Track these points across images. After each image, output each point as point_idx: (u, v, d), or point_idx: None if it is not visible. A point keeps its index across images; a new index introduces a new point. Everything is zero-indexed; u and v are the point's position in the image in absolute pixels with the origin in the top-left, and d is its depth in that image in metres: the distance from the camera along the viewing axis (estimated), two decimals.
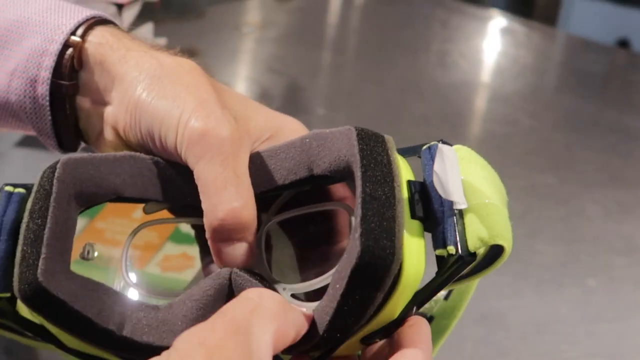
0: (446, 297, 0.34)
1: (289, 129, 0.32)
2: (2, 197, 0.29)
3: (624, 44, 2.08)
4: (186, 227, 0.68)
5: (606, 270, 0.65)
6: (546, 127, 0.89)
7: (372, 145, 0.27)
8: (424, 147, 0.29)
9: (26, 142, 0.85)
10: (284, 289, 0.29)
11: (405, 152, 0.30)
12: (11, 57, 0.32)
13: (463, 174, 0.27)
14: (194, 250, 0.63)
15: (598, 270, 0.65)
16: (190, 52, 1.03)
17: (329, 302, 0.25)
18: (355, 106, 0.94)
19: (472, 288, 0.32)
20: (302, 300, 0.30)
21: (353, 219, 0.26)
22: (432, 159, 0.27)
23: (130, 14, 0.75)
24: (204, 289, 0.27)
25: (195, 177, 0.28)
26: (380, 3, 1.28)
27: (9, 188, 0.29)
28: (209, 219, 0.27)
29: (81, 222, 0.68)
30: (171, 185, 0.30)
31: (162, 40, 0.81)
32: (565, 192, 0.76)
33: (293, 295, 0.29)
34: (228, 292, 0.27)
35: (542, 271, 0.66)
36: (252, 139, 0.31)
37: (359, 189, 0.25)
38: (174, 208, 0.34)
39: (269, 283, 0.28)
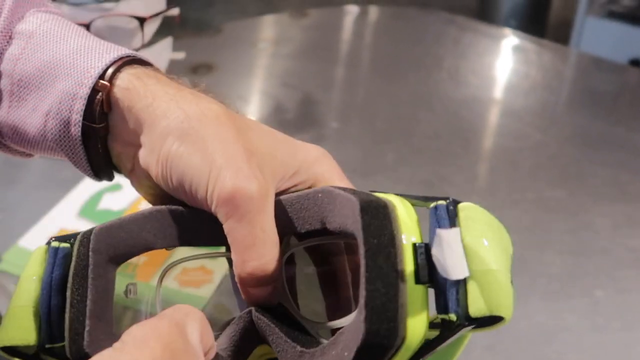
0: None
1: (313, 161, 0.34)
2: (50, 253, 0.32)
3: (636, 63, 2.08)
4: None
5: (614, 282, 0.66)
6: (556, 142, 0.90)
7: (375, 219, 0.27)
8: (432, 205, 0.29)
9: None
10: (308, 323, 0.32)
11: (415, 200, 0.30)
12: (46, 98, 0.34)
13: (468, 235, 0.27)
14: (212, 264, 0.64)
15: (606, 282, 0.66)
16: (207, 67, 1.06)
17: None
18: (367, 120, 0.95)
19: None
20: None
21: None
22: (438, 221, 0.28)
23: (151, 28, 0.77)
24: (230, 336, 0.30)
25: (226, 231, 0.30)
26: (393, 20, 1.31)
27: (55, 244, 0.32)
28: (239, 271, 0.30)
29: None
30: (199, 231, 0.32)
31: (181, 55, 0.83)
32: (574, 205, 0.77)
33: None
34: (251, 330, 0.30)
35: (550, 282, 0.66)
36: (278, 178, 0.32)
37: (362, 268, 0.26)
38: None
39: (288, 320, 0.30)
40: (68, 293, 0.30)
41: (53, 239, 0.33)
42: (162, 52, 0.80)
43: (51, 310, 0.31)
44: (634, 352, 0.59)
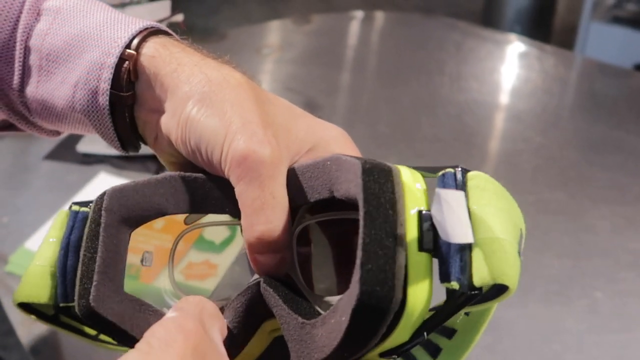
0: (467, 313, 0.33)
1: (330, 140, 0.33)
2: (70, 217, 0.33)
3: None
4: (209, 235, 0.71)
5: (613, 284, 0.67)
6: (557, 145, 0.90)
7: (377, 182, 0.27)
8: (440, 173, 0.28)
9: (53, 156, 0.88)
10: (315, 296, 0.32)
11: (425, 171, 0.30)
12: (74, 69, 0.35)
13: (475, 203, 0.27)
14: (217, 258, 0.65)
15: (605, 284, 0.67)
16: None
17: (335, 329, 0.26)
18: (370, 124, 0.96)
19: (493, 306, 0.32)
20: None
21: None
22: (444, 188, 0.27)
23: None
24: (236, 308, 0.30)
25: (237, 194, 0.31)
26: (396, 26, 1.32)
27: (75, 207, 0.33)
28: (247, 235, 0.30)
29: None
30: (211, 199, 0.32)
31: (179, 17, 0.84)
32: (574, 207, 0.78)
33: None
34: (259, 302, 0.30)
35: (550, 283, 0.67)
36: (292, 152, 0.32)
37: (361, 229, 0.26)
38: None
39: (294, 293, 0.30)
40: (81, 251, 0.31)
41: (73, 203, 0.34)
42: (159, 12, 0.81)
43: (67, 270, 0.31)
44: (632, 353, 0.60)
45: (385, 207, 0.26)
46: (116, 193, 0.32)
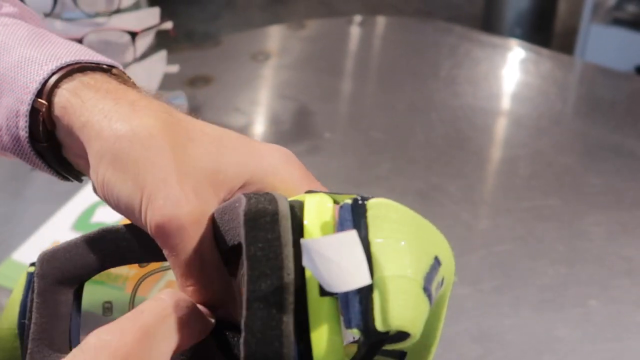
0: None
1: (265, 170, 0.31)
2: (27, 277, 0.32)
3: None
4: None
5: (607, 291, 0.66)
6: (552, 150, 0.89)
7: (261, 230, 0.25)
8: (341, 203, 0.26)
9: None
10: None
11: (338, 199, 0.27)
12: None
13: (375, 236, 0.24)
14: None
15: (599, 291, 0.66)
16: (204, 79, 1.07)
17: None
18: (363, 130, 0.95)
19: (441, 319, 0.30)
20: None
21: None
22: (341, 223, 0.25)
23: (143, 42, 0.78)
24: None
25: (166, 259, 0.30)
26: (391, 30, 1.31)
27: (30, 269, 0.33)
28: (184, 294, 0.29)
29: None
30: (150, 247, 0.31)
31: (174, 68, 0.84)
32: (568, 214, 0.76)
33: None
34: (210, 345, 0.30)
35: (543, 291, 0.66)
36: (222, 195, 0.30)
37: (244, 287, 0.24)
38: None
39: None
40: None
41: (31, 263, 0.33)
42: (156, 66, 0.81)
43: (24, 334, 0.31)
44: None
45: (268, 259, 0.24)
46: (47, 257, 0.31)
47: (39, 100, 0.32)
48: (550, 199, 0.79)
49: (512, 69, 1.13)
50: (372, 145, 0.91)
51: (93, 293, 0.34)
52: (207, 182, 0.30)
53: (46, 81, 0.32)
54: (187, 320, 0.27)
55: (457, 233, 0.73)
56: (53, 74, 0.33)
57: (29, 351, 0.30)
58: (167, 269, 0.38)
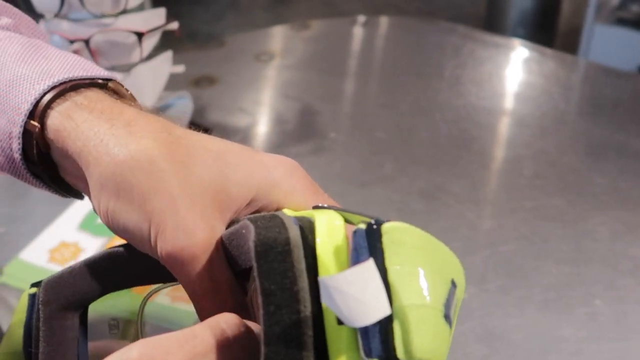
0: None
1: (270, 185, 0.31)
2: (29, 300, 0.32)
3: None
4: None
5: (612, 291, 0.66)
6: (556, 150, 0.89)
7: (273, 262, 0.24)
8: (355, 228, 0.25)
9: None
10: None
11: (347, 217, 0.27)
12: None
13: (391, 263, 0.24)
14: None
15: (604, 291, 0.66)
16: (209, 79, 1.07)
17: None
18: (367, 130, 0.95)
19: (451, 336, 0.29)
20: None
21: None
22: (356, 250, 0.24)
23: (150, 42, 0.78)
24: None
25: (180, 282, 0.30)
26: (394, 30, 1.31)
27: (32, 290, 0.32)
28: (200, 317, 0.29)
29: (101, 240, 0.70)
30: (158, 270, 0.31)
31: (180, 68, 0.84)
32: (573, 213, 0.77)
33: None
34: None
35: (548, 291, 0.66)
36: (229, 216, 0.30)
37: (260, 319, 0.24)
38: None
39: None
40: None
41: (32, 284, 0.33)
42: (162, 66, 0.81)
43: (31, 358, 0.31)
44: None
45: (284, 291, 0.24)
46: (51, 283, 0.31)
47: (32, 122, 0.31)
48: (555, 199, 0.79)
49: (515, 69, 1.13)
50: (376, 145, 0.92)
51: (96, 308, 0.33)
52: (213, 204, 0.29)
53: (38, 101, 0.31)
54: (238, 354, 0.25)
55: (461, 233, 0.74)
56: (45, 93, 0.31)
57: None
58: (168, 286, 0.38)
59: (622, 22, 2.19)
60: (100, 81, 0.33)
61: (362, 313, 0.22)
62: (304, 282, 0.24)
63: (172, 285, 0.36)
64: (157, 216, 0.28)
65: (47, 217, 0.77)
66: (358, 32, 1.28)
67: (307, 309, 0.24)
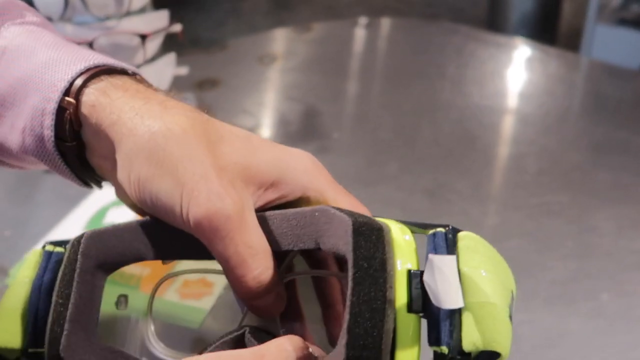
0: None
1: (298, 171, 0.32)
2: (43, 257, 0.32)
3: None
4: None
5: (618, 285, 0.66)
6: (560, 147, 0.90)
7: (367, 242, 0.26)
8: (430, 231, 0.28)
9: None
10: None
11: (414, 227, 0.30)
12: (21, 114, 0.33)
13: (466, 265, 0.27)
14: (213, 276, 0.65)
15: (610, 285, 0.66)
16: (212, 82, 1.07)
17: None
18: (371, 130, 0.96)
19: None
20: None
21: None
22: (435, 249, 0.27)
23: (153, 44, 0.78)
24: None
25: (212, 253, 0.30)
26: (397, 31, 1.31)
27: (49, 247, 0.32)
28: (236, 289, 0.30)
29: None
30: (191, 245, 0.31)
31: (184, 70, 0.85)
32: (577, 209, 0.77)
33: None
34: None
35: (553, 287, 0.66)
36: (253, 187, 0.31)
37: (349, 291, 0.25)
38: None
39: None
40: (53, 296, 0.30)
41: (48, 243, 0.33)
42: (166, 68, 0.82)
43: (38, 314, 0.30)
44: (638, 356, 0.58)
45: (375, 269, 0.26)
46: (95, 237, 0.31)
47: (67, 98, 0.32)
48: (559, 195, 0.79)
49: (518, 68, 1.13)
50: (380, 145, 0.92)
51: (105, 290, 0.33)
52: (239, 177, 0.30)
53: (74, 80, 0.32)
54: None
55: (466, 229, 0.74)
56: (81, 73, 0.33)
57: (65, 332, 0.29)
58: (183, 273, 0.38)
59: (623, 22, 2.19)
60: (129, 72, 0.35)
61: (446, 299, 0.24)
62: (391, 265, 0.26)
63: (182, 274, 0.36)
64: (190, 183, 0.29)
65: (51, 220, 0.77)
66: (360, 33, 1.28)
67: (391, 289, 0.26)
